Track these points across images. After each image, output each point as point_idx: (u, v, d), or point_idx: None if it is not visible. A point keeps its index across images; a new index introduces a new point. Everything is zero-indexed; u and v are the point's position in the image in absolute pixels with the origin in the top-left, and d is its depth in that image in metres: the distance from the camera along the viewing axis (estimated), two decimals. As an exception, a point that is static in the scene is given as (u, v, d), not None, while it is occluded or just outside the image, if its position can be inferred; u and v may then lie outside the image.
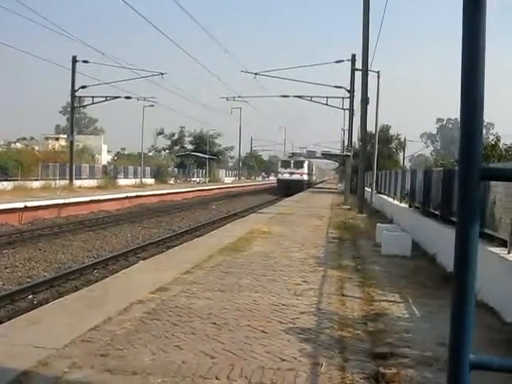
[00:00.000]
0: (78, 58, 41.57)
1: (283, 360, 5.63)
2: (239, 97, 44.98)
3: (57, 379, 5.01)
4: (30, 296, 11.94)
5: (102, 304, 7.71)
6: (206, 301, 8.06)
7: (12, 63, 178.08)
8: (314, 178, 78.15)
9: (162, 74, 42.55)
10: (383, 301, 8.56)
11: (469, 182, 1.31)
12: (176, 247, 14.38)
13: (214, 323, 6.92)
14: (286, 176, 56.79)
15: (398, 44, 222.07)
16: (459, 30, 1.33)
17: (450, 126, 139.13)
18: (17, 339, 6.08)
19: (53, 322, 6.86)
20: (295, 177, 56.73)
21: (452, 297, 1.32)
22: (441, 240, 12.18)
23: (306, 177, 59.15)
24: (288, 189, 52.11)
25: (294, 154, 62.38)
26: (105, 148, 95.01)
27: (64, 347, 5.81)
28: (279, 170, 60.23)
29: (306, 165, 58.93)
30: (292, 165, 57.74)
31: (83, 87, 42.60)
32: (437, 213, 13.86)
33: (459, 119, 1.40)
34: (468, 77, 1.33)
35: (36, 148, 61.68)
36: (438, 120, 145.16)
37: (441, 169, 15.51)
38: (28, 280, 13.51)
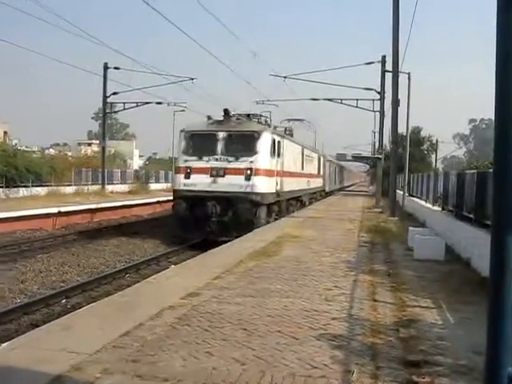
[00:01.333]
0: (109, 65, 42.16)
1: (314, 367, 5.56)
2: (268, 100, 44.71)
3: (89, 385, 5.04)
4: (64, 300, 12.12)
5: (134, 309, 7.75)
6: (237, 306, 8.04)
7: (50, 71, 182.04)
8: (325, 182, 46.99)
9: (192, 79, 42.74)
10: (416, 306, 8.41)
11: (504, 188, 1.26)
12: (207, 252, 14.39)
13: (245, 329, 6.88)
14: (201, 182, 21.43)
15: (427, 44, 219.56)
16: (494, 29, 1.28)
17: (484, 126, 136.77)
18: (51, 343, 6.14)
19: (85, 326, 6.91)
20: (227, 183, 21.21)
21: (488, 303, 1.27)
22: (475, 244, 11.95)
23: (261, 184, 21.64)
24: (199, 221, 20.89)
25: (227, 114, 23.34)
26: (136, 153, 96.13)
27: (96, 352, 5.85)
28: (182, 164, 22.32)
29: (265, 144, 22.26)
30: (221, 145, 21.78)
31: (115, 93, 43.11)
32: (471, 216, 13.61)
33: (494, 123, 1.35)
34: (502, 78, 1.28)
35: (69, 154, 62.71)
36: (471, 120, 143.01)
37: (475, 171, 15.24)
38: (62, 284, 13.75)
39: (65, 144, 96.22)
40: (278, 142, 24.24)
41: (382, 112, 36.67)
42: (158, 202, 38.23)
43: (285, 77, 37.86)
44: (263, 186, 21.69)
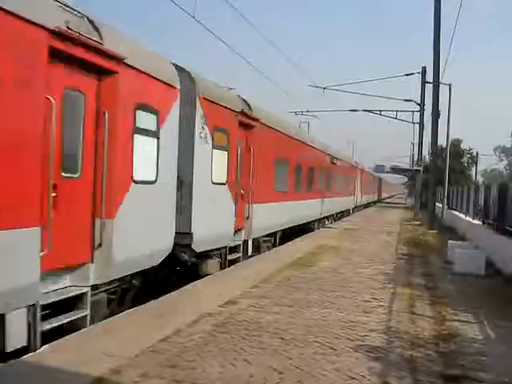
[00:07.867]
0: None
1: (352, 378, 5.53)
2: (307, 111, 44.50)
3: (128, 388, 5.11)
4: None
5: (172, 315, 7.83)
6: (275, 315, 8.05)
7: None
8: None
9: (231, 88, 42.92)
10: (455, 321, 8.29)
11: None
12: (245, 261, 14.45)
13: (282, 338, 6.89)
14: None
15: (468, 53, 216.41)
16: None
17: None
18: (91, 347, 6.24)
19: (125, 331, 7.01)
20: None
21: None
22: (517, 259, 11.72)
23: None
24: None
25: None
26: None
27: (135, 357, 5.93)
28: None
29: None
30: None
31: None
32: (513, 230, 13.35)
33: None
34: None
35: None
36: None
37: (517, 184, 14.93)
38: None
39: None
40: None
41: (421, 124, 36.33)
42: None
43: (324, 88, 37.70)
44: None
